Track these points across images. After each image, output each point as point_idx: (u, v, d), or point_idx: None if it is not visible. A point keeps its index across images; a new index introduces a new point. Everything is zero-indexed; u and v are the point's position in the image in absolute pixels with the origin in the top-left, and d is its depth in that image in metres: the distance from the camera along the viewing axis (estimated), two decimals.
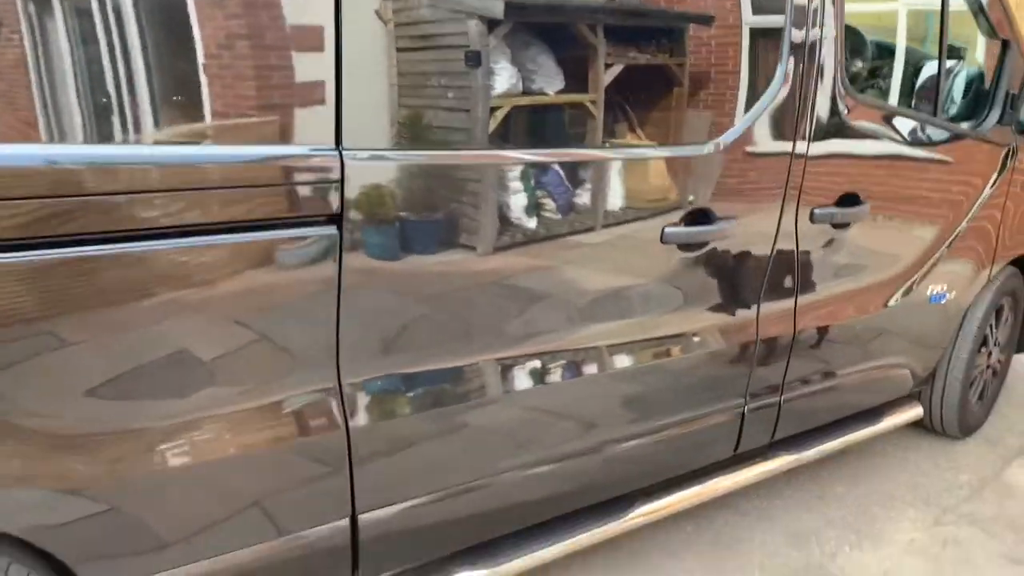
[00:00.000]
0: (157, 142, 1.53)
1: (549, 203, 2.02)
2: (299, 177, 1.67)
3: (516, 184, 1.96)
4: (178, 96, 1.54)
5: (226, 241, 1.61)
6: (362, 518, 1.96)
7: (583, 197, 2.11)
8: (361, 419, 1.88)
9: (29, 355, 1.47)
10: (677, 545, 2.86)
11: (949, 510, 3.21)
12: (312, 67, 1.64)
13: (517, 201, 1.97)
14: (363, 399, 1.88)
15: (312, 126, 1.66)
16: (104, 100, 1.46)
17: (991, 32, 3.08)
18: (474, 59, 1.84)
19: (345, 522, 1.94)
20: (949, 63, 2.97)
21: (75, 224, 1.44)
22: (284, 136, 1.65)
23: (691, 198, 2.26)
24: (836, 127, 2.52)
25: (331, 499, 1.91)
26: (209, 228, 1.58)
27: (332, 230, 1.71)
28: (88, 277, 1.49)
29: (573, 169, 2.08)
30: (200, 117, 1.55)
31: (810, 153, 2.47)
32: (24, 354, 1.47)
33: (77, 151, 1.45)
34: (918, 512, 3.19)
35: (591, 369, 2.26)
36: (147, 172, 1.50)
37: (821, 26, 2.38)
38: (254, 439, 1.76)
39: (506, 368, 2.10)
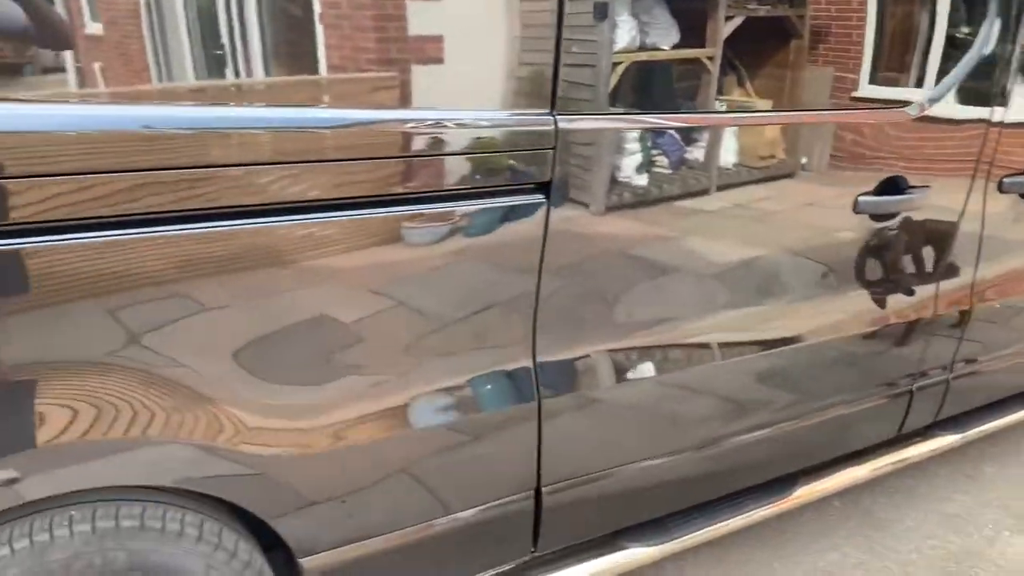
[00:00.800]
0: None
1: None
2: (515, 142, 1.58)
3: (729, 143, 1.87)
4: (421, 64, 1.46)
5: (438, 209, 1.54)
6: (546, 492, 1.90)
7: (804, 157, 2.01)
8: (552, 396, 1.81)
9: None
10: (826, 524, 2.77)
11: None
12: (536, 34, 1.54)
13: (727, 162, 1.87)
14: (555, 376, 1.81)
15: (529, 91, 1.57)
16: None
17: None
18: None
19: (530, 495, 1.89)
20: None
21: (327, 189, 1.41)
22: (504, 101, 1.56)
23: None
24: None
25: (518, 474, 1.86)
26: (424, 196, 1.51)
27: (540, 198, 1.63)
28: (337, 239, 1.46)
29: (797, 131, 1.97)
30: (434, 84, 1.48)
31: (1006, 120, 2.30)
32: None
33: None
34: None
35: (776, 347, 2.16)
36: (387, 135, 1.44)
37: None
38: (453, 414, 1.71)
39: (693, 348, 2.01)
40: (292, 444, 1.55)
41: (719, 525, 2.29)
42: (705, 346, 2.04)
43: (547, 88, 1.57)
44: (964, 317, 2.56)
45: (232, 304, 1.40)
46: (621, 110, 1.71)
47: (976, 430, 2.89)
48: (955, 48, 2.15)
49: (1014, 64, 2.27)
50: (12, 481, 1.32)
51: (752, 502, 2.38)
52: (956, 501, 2.96)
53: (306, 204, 1.41)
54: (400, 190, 1.49)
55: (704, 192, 1.88)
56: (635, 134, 1.74)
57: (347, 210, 1.45)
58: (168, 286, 1.34)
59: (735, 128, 1.92)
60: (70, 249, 1.25)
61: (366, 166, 1.44)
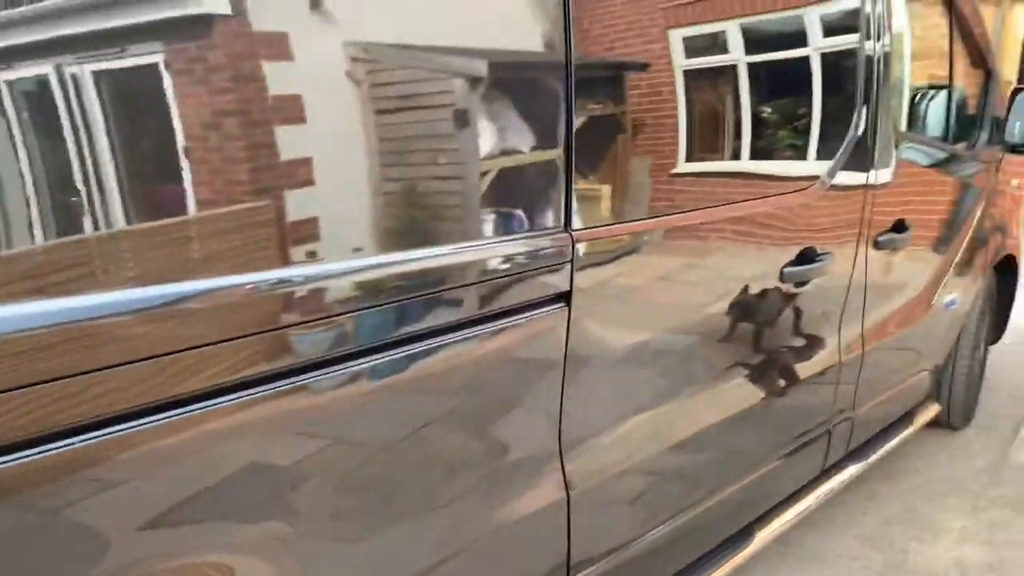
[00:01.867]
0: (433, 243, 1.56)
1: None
2: (538, 260, 1.72)
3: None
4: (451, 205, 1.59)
5: (489, 329, 1.65)
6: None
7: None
8: (579, 487, 1.94)
9: None
10: (772, 564, 3.02)
11: (980, 495, 3.52)
12: (548, 158, 1.71)
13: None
14: (581, 468, 1.94)
15: (546, 211, 1.73)
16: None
17: (978, 64, 3.45)
18: None
19: None
20: (951, 94, 3.31)
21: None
22: (528, 224, 1.71)
23: None
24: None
25: (551, 559, 1.95)
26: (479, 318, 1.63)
27: (562, 306, 1.78)
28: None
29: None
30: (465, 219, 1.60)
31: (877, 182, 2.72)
32: None
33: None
34: (956, 500, 3.49)
35: (734, 411, 2.41)
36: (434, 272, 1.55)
37: (882, 80, 2.64)
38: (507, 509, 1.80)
39: (696, 422, 2.23)
40: None
41: None
42: (690, 414, 2.24)
43: (562, 207, 1.74)
44: (860, 360, 2.94)
45: None
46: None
47: (875, 456, 3.27)
48: (837, 129, 2.53)
49: (880, 139, 2.70)
50: None
51: (722, 558, 2.58)
52: (867, 522, 3.32)
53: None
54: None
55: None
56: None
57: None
58: None
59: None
60: None
61: None
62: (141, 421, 1.19)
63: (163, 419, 1.21)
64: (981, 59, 3.47)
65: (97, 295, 1.13)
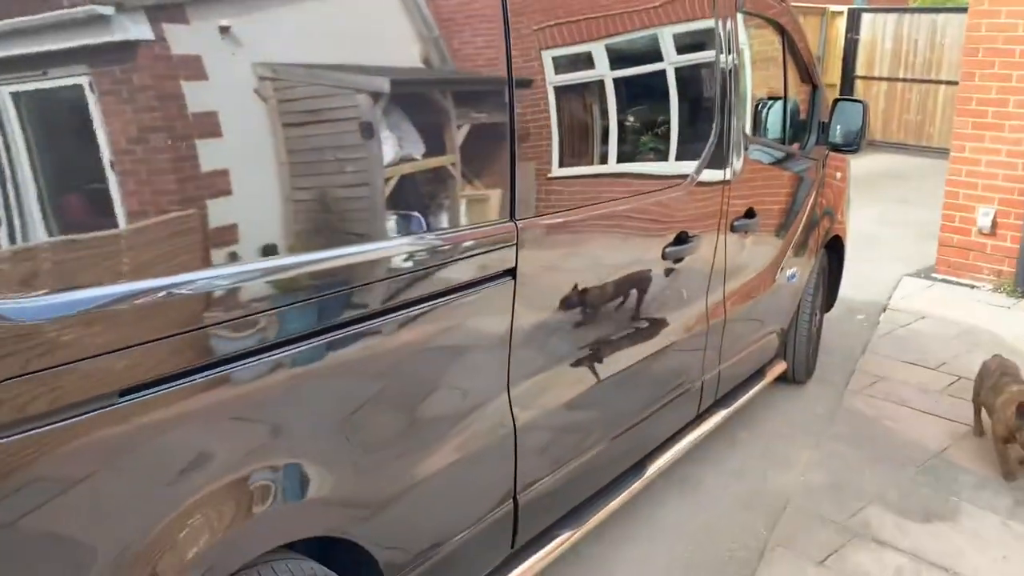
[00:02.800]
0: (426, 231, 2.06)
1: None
2: (489, 243, 2.24)
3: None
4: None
5: (457, 297, 2.16)
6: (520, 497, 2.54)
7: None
8: (520, 419, 2.46)
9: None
10: (660, 494, 3.65)
11: (820, 434, 4.28)
12: (496, 159, 2.23)
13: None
14: (523, 404, 2.47)
15: (495, 204, 2.25)
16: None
17: (806, 79, 4.20)
18: None
19: (509, 503, 2.52)
20: (785, 103, 4.04)
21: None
22: (481, 214, 2.22)
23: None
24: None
25: (500, 482, 2.47)
26: (451, 288, 2.13)
27: (510, 279, 2.30)
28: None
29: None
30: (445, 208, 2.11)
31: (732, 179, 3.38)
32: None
33: None
34: (802, 440, 4.23)
35: (636, 361, 3.02)
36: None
37: (733, 94, 3.30)
38: (464, 437, 2.31)
39: (606, 371, 2.81)
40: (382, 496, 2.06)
41: (612, 504, 3.06)
42: (601, 365, 2.81)
43: (508, 201, 2.27)
44: (723, 324, 3.60)
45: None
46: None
47: (736, 404, 3.96)
48: (701, 134, 3.17)
49: (732, 142, 3.35)
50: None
51: (624, 485, 3.18)
52: (734, 459, 4.01)
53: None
54: None
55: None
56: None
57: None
58: None
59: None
60: None
61: None
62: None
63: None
64: (808, 74, 4.23)
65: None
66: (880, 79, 13.86)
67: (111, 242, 1.48)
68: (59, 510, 1.44)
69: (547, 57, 2.36)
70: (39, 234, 1.38)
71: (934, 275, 6.93)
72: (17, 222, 1.34)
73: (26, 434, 1.36)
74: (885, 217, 9.03)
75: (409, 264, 2.02)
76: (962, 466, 3.96)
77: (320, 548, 2.03)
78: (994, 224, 6.55)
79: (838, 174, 4.68)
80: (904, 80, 13.65)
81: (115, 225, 1.47)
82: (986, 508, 3.60)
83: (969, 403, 4.30)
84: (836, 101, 4.29)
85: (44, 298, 1.38)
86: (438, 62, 2.08)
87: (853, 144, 4.16)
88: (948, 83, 12.62)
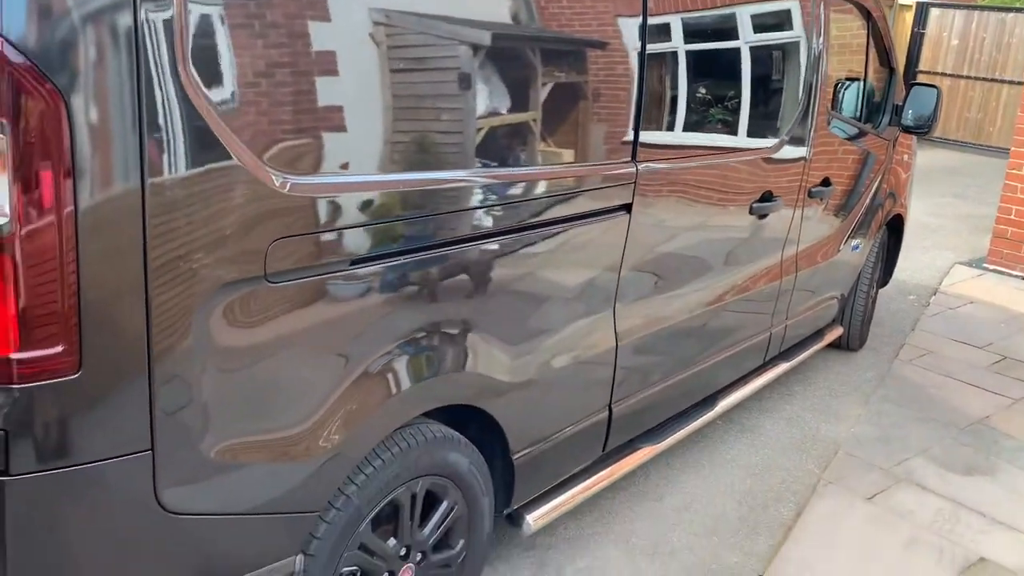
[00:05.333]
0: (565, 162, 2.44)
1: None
2: (614, 180, 2.61)
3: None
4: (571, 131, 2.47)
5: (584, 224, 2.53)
6: (615, 407, 2.93)
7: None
8: (623, 340, 2.84)
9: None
10: (720, 434, 4.01)
11: (870, 394, 4.61)
12: (625, 110, 2.59)
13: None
14: (625, 325, 2.84)
15: (621, 147, 2.61)
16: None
17: (884, 63, 4.49)
18: None
19: (605, 410, 2.90)
20: (864, 83, 4.34)
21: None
22: (610, 154, 2.59)
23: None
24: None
25: (600, 390, 2.85)
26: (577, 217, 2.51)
27: (625, 213, 2.67)
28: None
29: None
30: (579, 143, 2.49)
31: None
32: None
33: None
34: (853, 398, 4.56)
35: (722, 301, 3.41)
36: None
37: (820, 72, 3.62)
38: (578, 343, 2.69)
39: (693, 308, 3.18)
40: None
41: (685, 430, 3.43)
42: (690, 301, 3.18)
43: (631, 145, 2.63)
44: (794, 281, 3.93)
45: None
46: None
47: (797, 359, 4.30)
48: (791, 106, 3.50)
49: (816, 114, 3.68)
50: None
51: (696, 415, 3.54)
52: (788, 409, 4.35)
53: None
54: None
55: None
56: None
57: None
58: None
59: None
60: None
61: None
62: None
63: None
64: (887, 58, 4.52)
65: None
66: (943, 75, 13.91)
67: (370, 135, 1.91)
68: (304, 344, 1.84)
69: (676, 29, 2.72)
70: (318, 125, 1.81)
71: (985, 265, 7.17)
72: (300, 118, 1.75)
73: (289, 282, 1.76)
74: (940, 210, 9.24)
75: (562, 185, 2.42)
76: (1004, 432, 4.26)
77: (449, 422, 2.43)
78: None
79: (905, 156, 4.96)
80: (968, 78, 13.70)
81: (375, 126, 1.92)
82: None
83: (1013, 380, 4.59)
84: (911, 85, 4.57)
85: (312, 177, 1.78)
86: (593, 27, 2.45)
87: (924, 127, 4.45)
88: (1013, 83, 12.67)
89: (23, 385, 1.43)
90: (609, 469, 3.04)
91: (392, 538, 2.25)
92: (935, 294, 6.43)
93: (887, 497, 3.61)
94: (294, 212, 1.74)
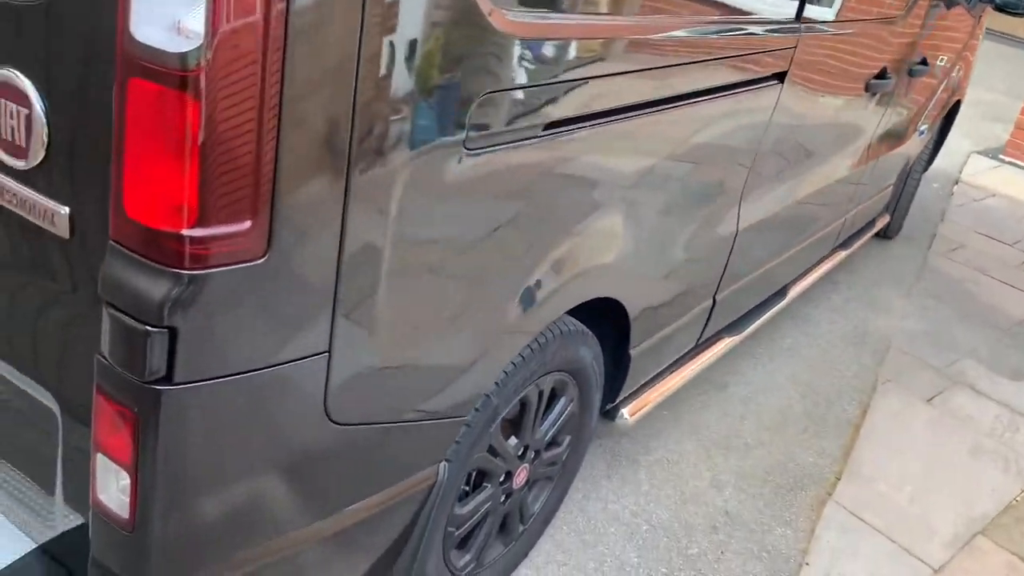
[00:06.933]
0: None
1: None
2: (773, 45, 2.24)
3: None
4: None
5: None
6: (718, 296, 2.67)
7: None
8: (742, 227, 2.55)
9: None
10: (778, 322, 3.81)
11: (911, 286, 4.46)
12: None
13: None
14: (750, 207, 2.54)
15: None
16: None
17: None
18: None
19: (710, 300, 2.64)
20: None
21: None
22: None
23: None
24: None
25: (711, 280, 2.59)
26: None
27: (777, 83, 2.31)
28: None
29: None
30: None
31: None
32: None
33: None
34: (894, 289, 4.41)
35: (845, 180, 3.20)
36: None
37: None
38: (705, 229, 2.40)
39: (804, 190, 2.88)
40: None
41: (760, 320, 3.21)
42: (805, 183, 2.89)
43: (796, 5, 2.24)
44: (871, 166, 3.65)
45: None
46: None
47: (854, 246, 4.08)
48: None
49: None
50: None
51: (771, 304, 3.31)
52: (835, 299, 4.18)
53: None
54: None
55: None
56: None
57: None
58: None
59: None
60: None
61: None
62: None
63: None
64: None
65: None
66: None
67: None
68: (487, 231, 1.51)
69: None
70: None
71: (1001, 156, 7.00)
72: None
73: (483, 152, 1.39)
74: None
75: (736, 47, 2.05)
76: None
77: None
78: None
79: (980, 37, 4.62)
80: None
81: None
82: None
83: None
84: None
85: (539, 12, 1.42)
86: None
87: (1020, 7, 4.09)
88: None
89: (197, 270, 1.07)
90: (697, 360, 2.82)
91: (513, 437, 2.00)
92: (957, 183, 6.26)
93: (945, 400, 3.50)
94: (512, 57, 1.36)
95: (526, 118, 1.45)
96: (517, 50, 1.37)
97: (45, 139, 1.16)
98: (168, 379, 1.12)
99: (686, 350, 2.73)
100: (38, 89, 1.15)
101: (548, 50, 1.45)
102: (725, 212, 2.44)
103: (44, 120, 1.15)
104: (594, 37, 1.55)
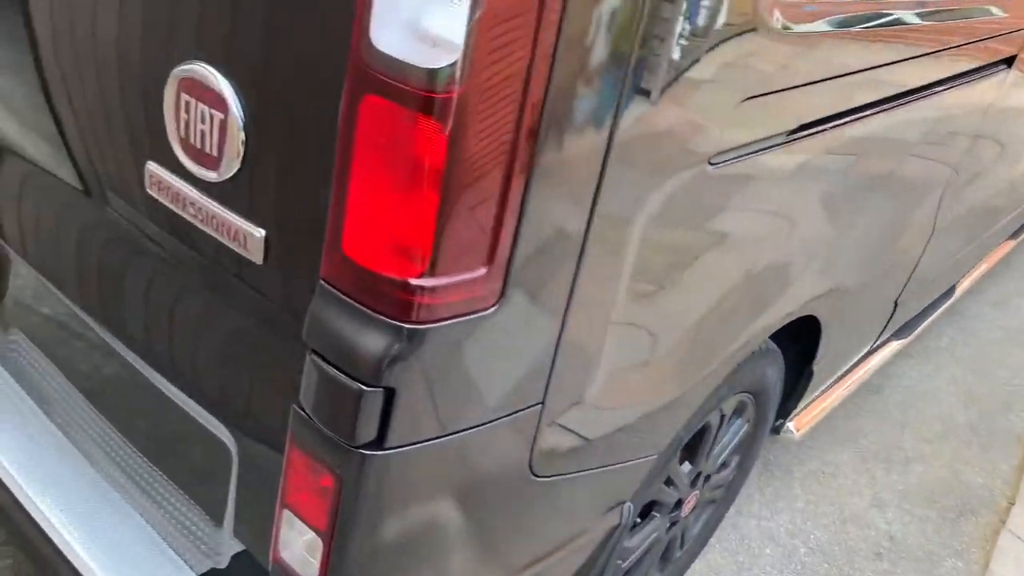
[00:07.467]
0: None
1: None
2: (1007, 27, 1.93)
3: None
4: None
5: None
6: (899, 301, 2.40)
7: None
8: (940, 222, 2.26)
9: None
10: (940, 327, 3.51)
11: None
12: None
13: None
14: (948, 205, 2.25)
15: None
16: None
17: None
18: None
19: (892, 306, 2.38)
20: None
21: None
22: None
23: None
24: None
25: (898, 283, 2.31)
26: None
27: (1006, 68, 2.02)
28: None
29: None
30: None
31: None
32: None
33: None
34: None
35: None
36: None
37: None
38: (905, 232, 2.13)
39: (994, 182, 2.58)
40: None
41: (927, 321, 2.91)
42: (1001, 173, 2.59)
43: None
44: None
45: None
46: None
47: (1020, 239, 3.72)
48: None
49: None
50: None
51: (939, 304, 3.00)
52: (992, 291, 3.83)
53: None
54: None
55: None
56: None
57: None
58: None
59: None
60: None
61: None
62: None
63: None
64: None
65: None
66: None
67: None
68: (715, 255, 1.29)
69: None
70: None
71: None
72: None
73: (726, 164, 1.17)
74: None
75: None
76: None
77: None
78: None
79: None
80: None
81: None
82: None
83: None
84: None
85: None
86: None
87: None
88: None
89: (423, 325, 0.89)
90: (863, 368, 2.56)
91: (687, 463, 1.81)
92: None
93: None
94: (784, 53, 1.13)
95: (777, 122, 1.22)
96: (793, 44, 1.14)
97: (241, 149, 0.99)
98: (379, 443, 0.95)
99: (859, 358, 2.48)
100: (236, 91, 0.97)
101: (807, 47, 1.21)
102: (925, 213, 2.16)
103: (241, 126, 0.98)
104: (850, 30, 1.30)
